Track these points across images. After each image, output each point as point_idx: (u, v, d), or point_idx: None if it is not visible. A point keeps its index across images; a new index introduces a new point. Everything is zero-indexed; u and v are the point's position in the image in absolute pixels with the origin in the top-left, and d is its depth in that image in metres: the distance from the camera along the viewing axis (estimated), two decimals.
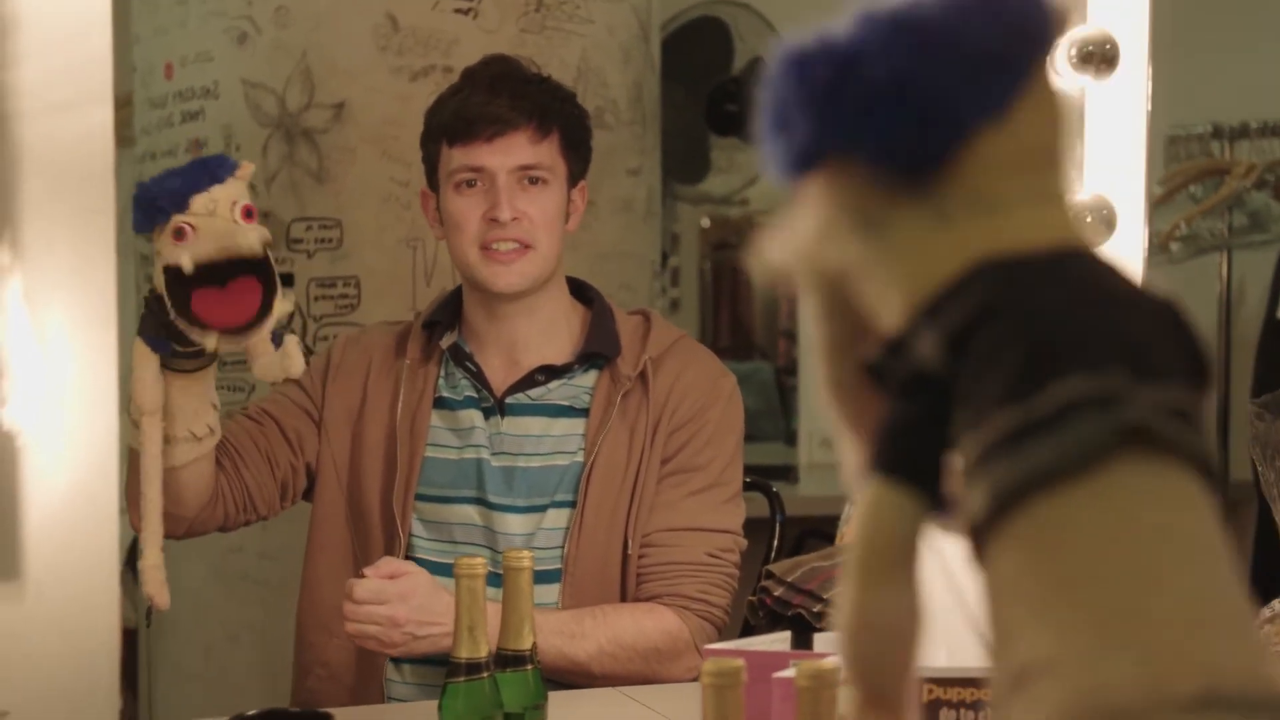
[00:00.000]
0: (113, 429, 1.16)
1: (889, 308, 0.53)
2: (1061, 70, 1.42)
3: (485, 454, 2.05)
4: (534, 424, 2.07)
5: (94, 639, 1.16)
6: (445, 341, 2.11)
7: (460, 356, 2.10)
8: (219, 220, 1.66)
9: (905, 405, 0.52)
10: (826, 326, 0.57)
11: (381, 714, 1.98)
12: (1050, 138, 0.54)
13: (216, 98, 2.76)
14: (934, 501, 0.52)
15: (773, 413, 5.28)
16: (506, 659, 1.54)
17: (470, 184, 2.02)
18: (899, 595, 0.52)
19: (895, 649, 0.52)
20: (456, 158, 2.02)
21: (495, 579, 1.60)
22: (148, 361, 1.74)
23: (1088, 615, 0.46)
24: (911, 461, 0.52)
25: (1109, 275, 0.52)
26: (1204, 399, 0.50)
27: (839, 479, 0.59)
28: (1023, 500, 0.48)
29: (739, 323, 6.05)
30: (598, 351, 2.08)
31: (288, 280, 2.68)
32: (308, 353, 1.79)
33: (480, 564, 1.48)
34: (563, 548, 2.01)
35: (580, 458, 2.04)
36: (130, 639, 2.69)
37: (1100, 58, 1.42)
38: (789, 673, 1.26)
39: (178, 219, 1.65)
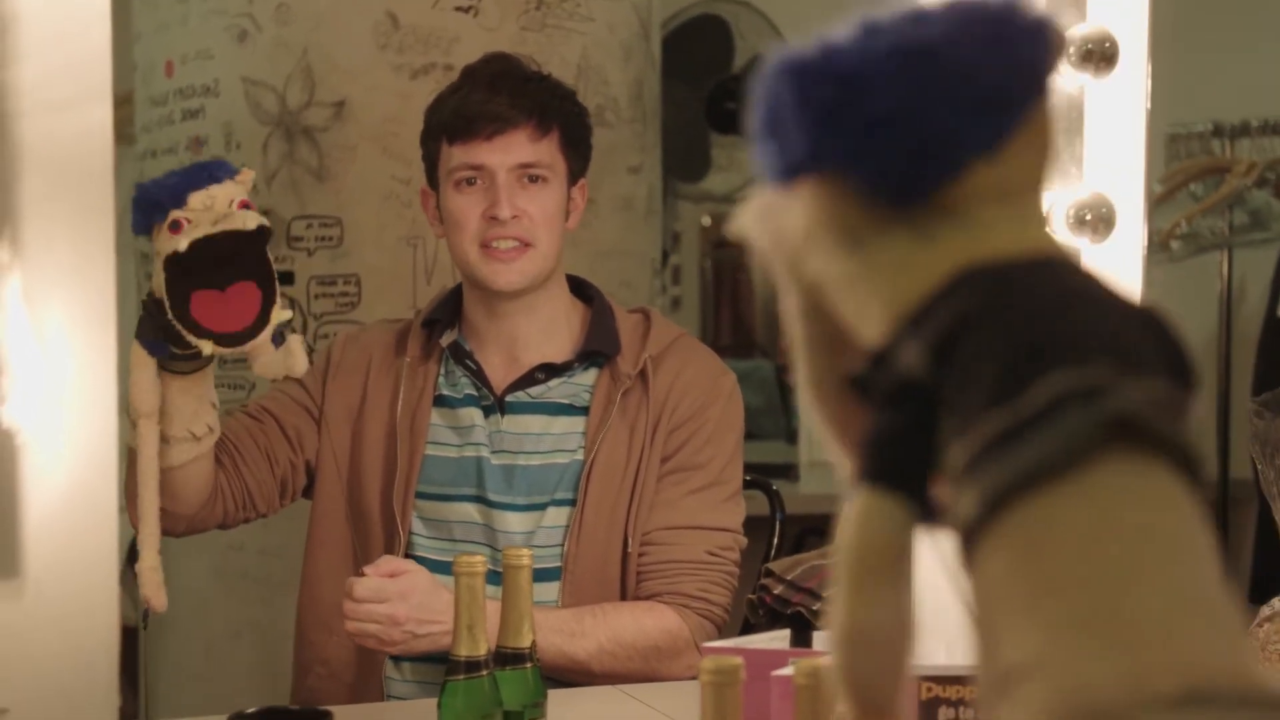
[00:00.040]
0: (112, 426, 1.16)
1: (870, 322, 0.54)
2: (1060, 68, 1.41)
3: (485, 452, 2.05)
4: (534, 422, 2.07)
5: (93, 636, 1.16)
6: (445, 339, 2.11)
7: (460, 354, 2.10)
8: (216, 212, 1.66)
9: (891, 415, 0.52)
10: (806, 327, 0.57)
11: (381, 712, 1.98)
12: (1039, 167, 0.54)
13: (217, 95, 2.77)
14: (922, 509, 0.52)
15: (773, 411, 5.28)
16: (506, 657, 1.54)
17: (470, 182, 2.02)
18: (890, 604, 0.52)
19: (887, 657, 0.53)
20: (456, 156, 2.02)
21: (495, 577, 1.60)
22: (144, 365, 1.74)
23: (1071, 616, 0.46)
24: (899, 470, 0.52)
25: (1090, 281, 0.52)
26: (1189, 399, 0.50)
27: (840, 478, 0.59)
28: (1010, 501, 0.48)
29: (740, 321, 6.05)
30: (598, 350, 2.08)
31: (287, 278, 2.68)
32: (309, 351, 1.79)
33: (480, 562, 1.48)
34: (562, 546, 2.01)
35: (580, 456, 2.04)
36: (130, 636, 2.68)
37: (1100, 56, 1.42)
38: (788, 671, 1.26)
39: (175, 213, 1.65)
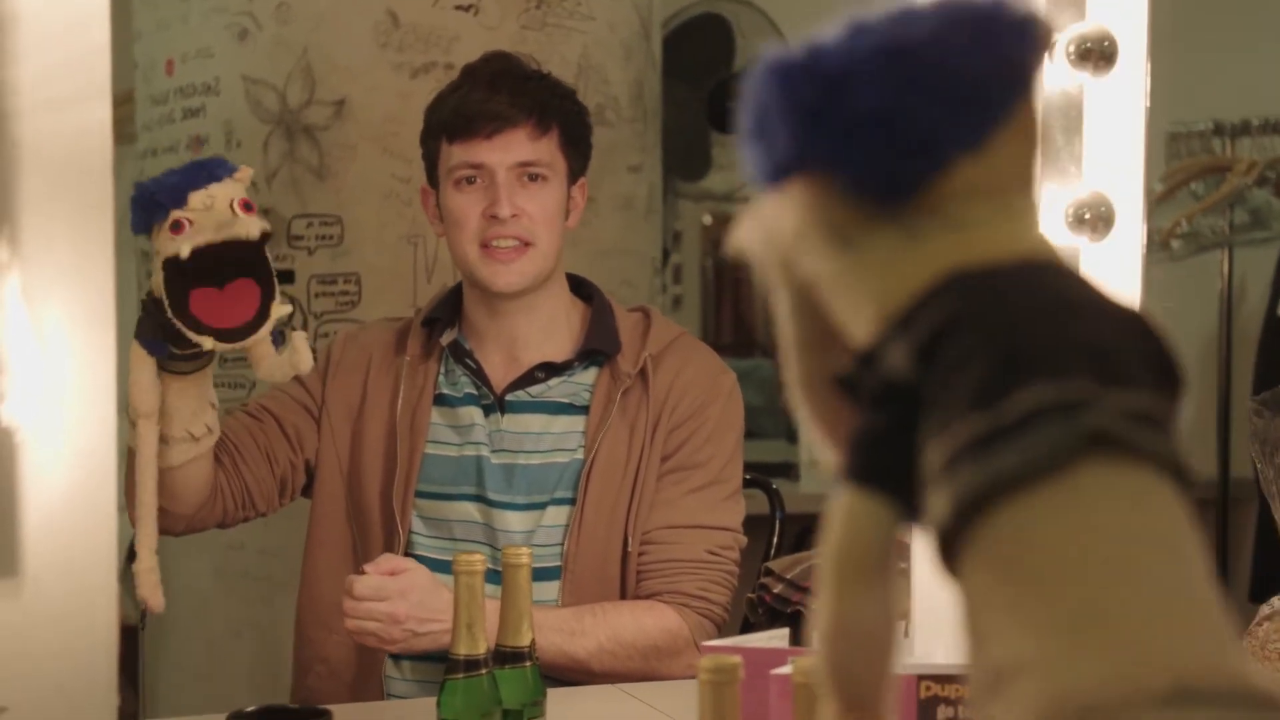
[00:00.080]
0: (111, 425, 1.15)
1: (859, 321, 0.54)
2: (1059, 67, 1.41)
3: (485, 451, 2.05)
4: (534, 421, 2.07)
5: (93, 635, 1.16)
6: (445, 338, 2.11)
7: (460, 353, 2.10)
8: (217, 213, 1.65)
9: (877, 415, 0.53)
10: (796, 325, 0.57)
11: (381, 711, 1.98)
12: (1025, 163, 0.54)
13: (217, 94, 2.77)
14: (907, 509, 0.53)
15: (774, 409, 5.27)
16: (505, 656, 1.54)
17: (470, 181, 2.02)
18: (875, 603, 0.53)
19: (872, 654, 0.53)
20: (456, 154, 2.02)
21: (494, 576, 1.60)
22: (144, 365, 1.74)
23: (1059, 616, 0.46)
24: (884, 470, 0.52)
25: (1077, 285, 0.52)
26: (1174, 405, 0.50)
27: None
28: (990, 505, 0.48)
29: (741, 320, 6.05)
30: (598, 349, 2.08)
31: (288, 277, 2.68)
32: (310, 349, 1.79)
33: (479, 561, 1.48)
34: (562, 545, 2.01)
35: (580, 455, 2.04)
36: (131, 635, 2.69)
37: (1099, 54, 1.42)
38: (787, 669, 1.26)
39: (175, 213, 1.65)
